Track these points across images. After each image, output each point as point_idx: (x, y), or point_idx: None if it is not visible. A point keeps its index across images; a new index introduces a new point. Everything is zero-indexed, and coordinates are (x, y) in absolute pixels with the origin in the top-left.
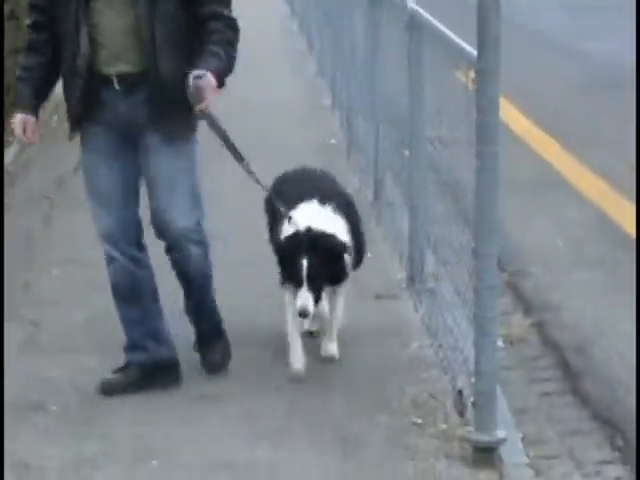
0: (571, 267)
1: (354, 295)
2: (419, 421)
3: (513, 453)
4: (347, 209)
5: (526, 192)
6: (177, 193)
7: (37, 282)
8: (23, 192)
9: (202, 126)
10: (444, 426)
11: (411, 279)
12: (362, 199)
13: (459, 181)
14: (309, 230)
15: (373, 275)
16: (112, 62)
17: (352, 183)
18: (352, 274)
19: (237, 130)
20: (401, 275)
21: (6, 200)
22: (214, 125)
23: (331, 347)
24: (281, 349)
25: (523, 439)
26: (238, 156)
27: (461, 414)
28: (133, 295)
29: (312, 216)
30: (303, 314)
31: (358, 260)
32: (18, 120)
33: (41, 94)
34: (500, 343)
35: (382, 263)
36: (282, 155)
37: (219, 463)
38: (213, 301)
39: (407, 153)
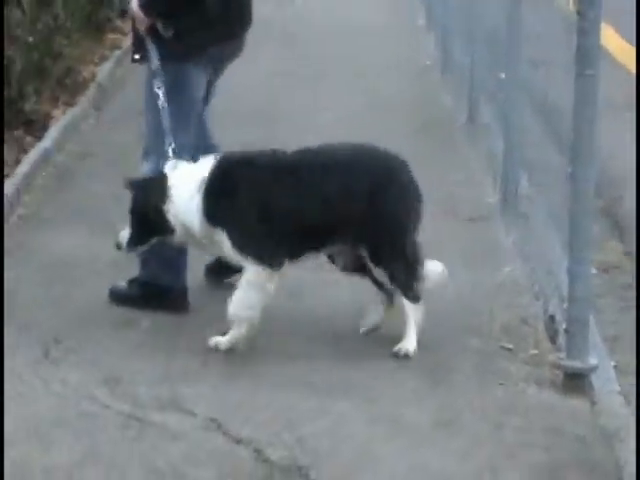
0: None
1: (446, 217)
2: (510, 346)
3: (604, 381)
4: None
5: (623, 116)
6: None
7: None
8: (118, 107)
9: None
10: (535, 352)
11: (504, 202)
12: (456, 121)
13: (556, 103)
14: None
15: (466, 197)
16: None
17: (446, 105)
18: (445, 196)
19: (332, 51)
20: (494, 198)
21: (101, 115)
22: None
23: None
24: None
25: (615, 367)
26: None
27: (553, 340)
28: None
29: (183, 165)
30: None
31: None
32: None
33: None
34: (594, 270)
35: (475, 185)
36: (377, 77)
37: (310, 382)
38: None
39: (502, 75)
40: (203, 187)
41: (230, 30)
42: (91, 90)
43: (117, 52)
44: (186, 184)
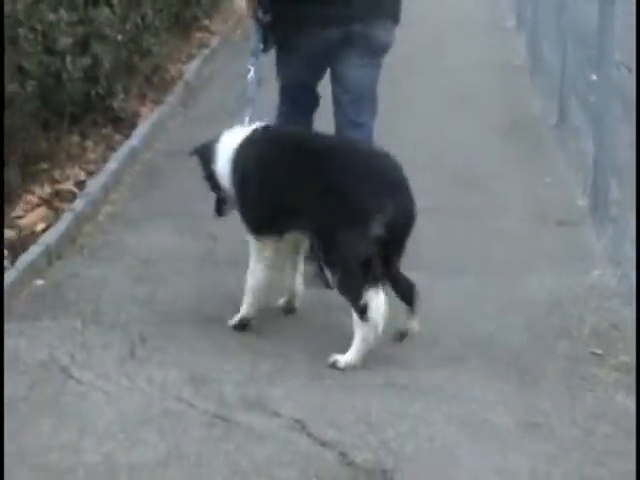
0: None
1: (536, 220)
2: (599, 352)
3: None
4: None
5: None
6: None
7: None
8: (205, 106)
9: None
10: (626, 358)
11: (594, 206)
12: (546, 123)
13: None
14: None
15: (555, 200)
16: None
17: (535, 106)
18: (535, 199)
19: (418, 49)
20: (584, 201)
21: (188, 114)
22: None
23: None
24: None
25: None
26: None
27: None
28: None
29: (232, 131)
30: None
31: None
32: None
33: None
34: None
35: (564, 188)
36: (464, 76)
37: (394, 384)
38: None
39: (594, 77)
40: (232, 154)
41: (324, 18)
42: (178, 88)
43: (204, 50)
44: (226, 149)
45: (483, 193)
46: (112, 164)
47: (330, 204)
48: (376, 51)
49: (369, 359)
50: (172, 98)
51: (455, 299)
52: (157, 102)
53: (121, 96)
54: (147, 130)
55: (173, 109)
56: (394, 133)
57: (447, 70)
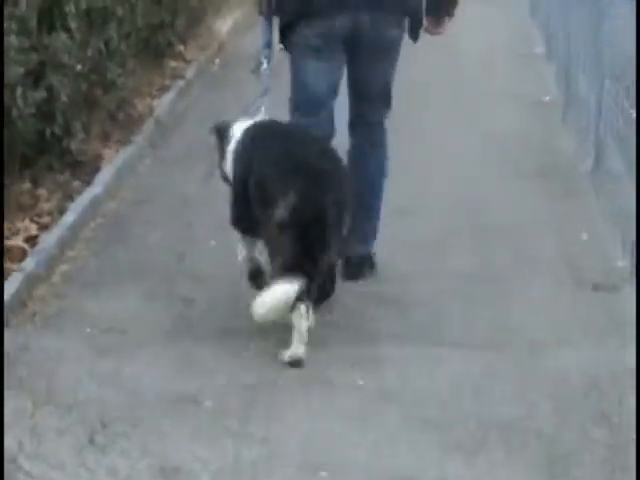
0: None
1: (567, 283)
2: None
3: None
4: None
5: None
6: None
7: (193, 253)
8: (179, 146)
9: None
10: None
11: (636, 267)
12: (580, 167)
13: None
14: None
15: (590, 260)
16: None
17: (568, 148)
18: (566, 258)
19: (434, 78)
20: (624, 262)
21: (159, 156)
22: None
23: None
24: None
25: None
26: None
27: None
28: None
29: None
30: None
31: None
32: None
33: None
34: None
35: (601, 246)
36: (486, 112)
37: (400, 477)
38: None
39: (634, 114)
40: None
41: (318, 8)
42: (148, 126)
43: (178, 82)
44: (232, 143)
45: (508, 249)
46: (69, 216)
47: (255, 193)
48: (387, 49)
49: (368, 445)
50: (140, 138)
51: (473, 375)
52: (123, 142)
53: (81, 136)
54: (111, 176)
55: (141, 151)
56: (412, 173)
57: (464, 104)
